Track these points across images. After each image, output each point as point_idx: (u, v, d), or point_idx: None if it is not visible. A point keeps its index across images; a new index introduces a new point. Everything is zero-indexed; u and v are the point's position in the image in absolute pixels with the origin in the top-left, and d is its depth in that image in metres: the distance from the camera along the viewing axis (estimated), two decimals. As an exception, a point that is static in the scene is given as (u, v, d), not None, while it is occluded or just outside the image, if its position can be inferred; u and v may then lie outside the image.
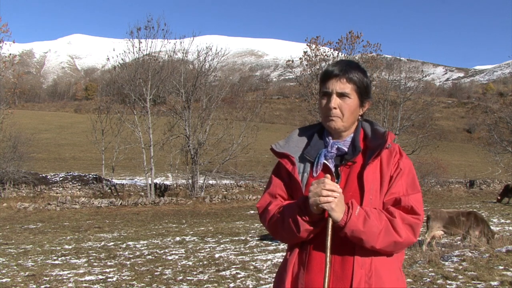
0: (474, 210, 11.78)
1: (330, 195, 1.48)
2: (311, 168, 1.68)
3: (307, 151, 1.71)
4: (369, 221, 1.50)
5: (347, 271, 1.54)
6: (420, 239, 8.48)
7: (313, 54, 21.66)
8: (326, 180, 1.50)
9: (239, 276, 6.84)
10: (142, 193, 22.52)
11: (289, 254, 1.68)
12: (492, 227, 9.35)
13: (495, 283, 5.09)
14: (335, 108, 1.64)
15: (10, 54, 21.56)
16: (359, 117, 1.73)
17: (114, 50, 23.78)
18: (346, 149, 1.66)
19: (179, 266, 7.66)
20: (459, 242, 9.06)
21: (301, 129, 1.82)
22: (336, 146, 1.66)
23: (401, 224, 1.55)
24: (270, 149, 1.77)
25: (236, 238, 10.91)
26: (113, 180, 24.49)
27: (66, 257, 8.60)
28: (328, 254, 1.51)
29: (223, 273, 7.05)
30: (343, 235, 1.52)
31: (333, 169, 1.65)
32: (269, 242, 10.00)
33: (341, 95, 1.64)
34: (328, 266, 1.50)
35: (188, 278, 6.78)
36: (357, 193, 1.59)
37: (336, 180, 1.62)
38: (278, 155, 1.73)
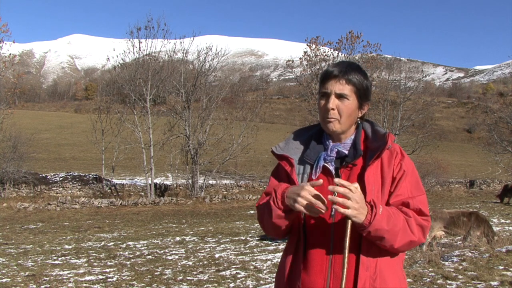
0: (476, 210, 11.75)
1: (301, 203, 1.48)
2: (310, 171, 1.67)
3: (306, 154, 1.69)
4: (392, 220, 1.50)
5: (348, 272, 1.52)
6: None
7: (313, 54, 21.66)
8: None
9: (239, 276, 6.84)
10: (142, 193, 22.52)
11: (287, 255, 1.67)
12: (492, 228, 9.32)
13: (495, 283, 5.09)
14: (333, 109, 1.63)
15: (10, 54, 21.56)
16: (358, 119, 1.71)
17: (114, 50, 23.80)
18: (346, 152, 1.65)
19: (179, 266, 7.66)
20: (459, 242, 9.05)
21: (300, 131, 1.81)
22: (336, 149, 1.65)
23: (415, 224, 1.56)
24: (270, 151, 1.77)
25: (236, 238, 10.90)
26: (113, 180, 24.49)
27: (66, 257, 8.60)
28: (346, 254, 1.49)
29: (223, 273, 7.05)
30: (366, 234, 1.51)
31: (333, 172, 1.64)
32: (269, 242, 10.00)
33: (340, 96, 1.63)
34: (345, 267, 1.48)
35: (188, 278, 6.78)
36: None
37: None
38: (278, 157, 1.73)
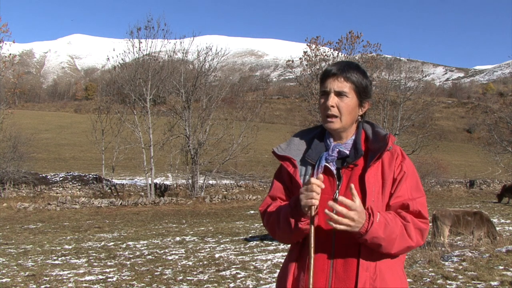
0: (480, 210, 11.73)
1: (314, 197, 1.48)
2: (312, 171, 1.68)
3: (308, 154, 1.70)
4: (389, 228, 1.51)
5: (350, 272, 1.54)
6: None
7: (313, 54, 21.61)
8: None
9: (239, 276, 6.84)
10: (142, 193, 22.52)
11: (290, 254, 1.69)
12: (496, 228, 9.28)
13: (495, 283, 5.09)
14: (332, 106, 1.64)
15: (10, 54, 21.56)
16: (359, 117, 1.72)
17: (114, 50, 23.80)
18: (347, 152, 1.66)
19: (179, 266, 7.66)
20: (459, 242, 9.05)
21: (302, 132, 1.82)
22: (337, 149, 1.66)
23: (413, 228, 1.56)
24: (271, 152, 1.77)
25: (236, 238, 10.91)
26: (113, 180, 24.49)
27: (66, 257, 8.60)
28: (312, 253, 1.52)
29: (223, 273, 7.05)
30: (362, 241, 1.51)
31: (334, 172, 1.65)
32: (269, 242, 10.00)
33: (339, 94, 1.65)
34: (311, 264, 1.51)
35: (188, 278, 6.77)
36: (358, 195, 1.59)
37: (337, 183, 1.63)
38: (280, 158, 1.73)
